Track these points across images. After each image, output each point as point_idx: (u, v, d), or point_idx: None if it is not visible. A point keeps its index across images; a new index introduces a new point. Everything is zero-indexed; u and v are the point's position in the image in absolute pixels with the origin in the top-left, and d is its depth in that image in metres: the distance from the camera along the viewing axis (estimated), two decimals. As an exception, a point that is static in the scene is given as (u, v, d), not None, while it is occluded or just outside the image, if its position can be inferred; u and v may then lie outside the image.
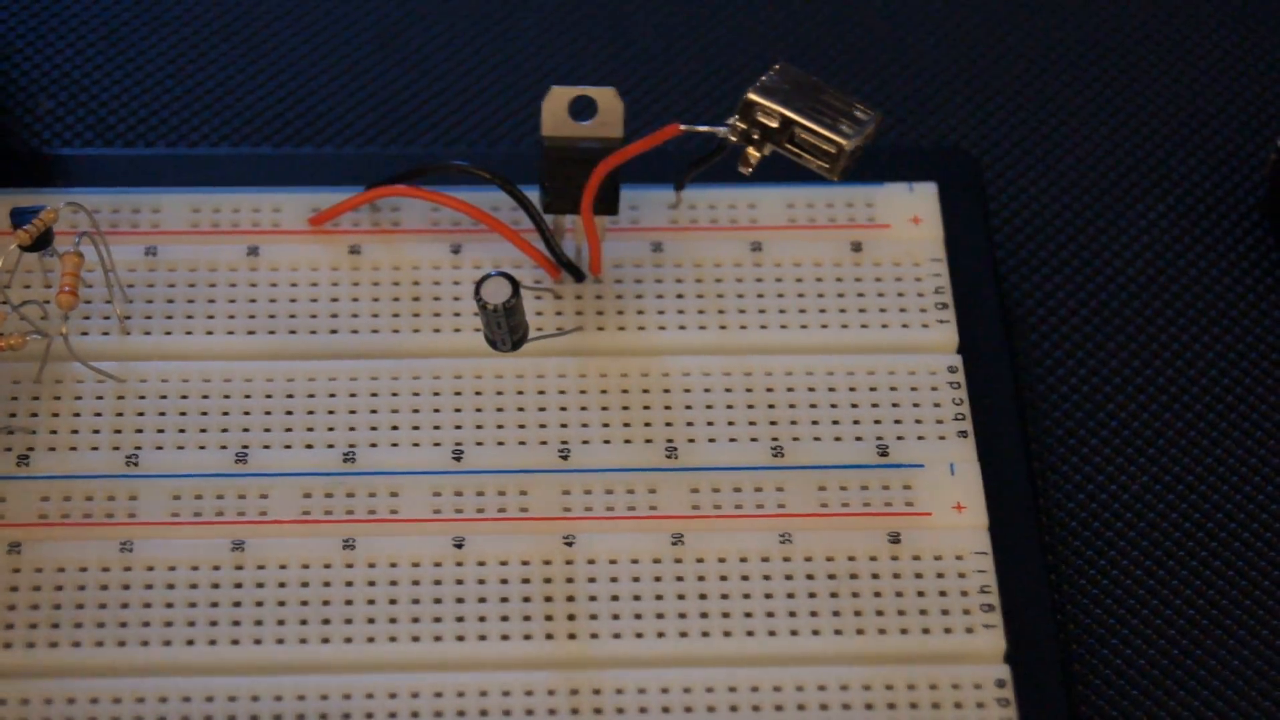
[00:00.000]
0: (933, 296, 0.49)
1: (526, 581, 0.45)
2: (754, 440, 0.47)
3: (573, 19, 0.59)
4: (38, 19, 0.58)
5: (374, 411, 0.47)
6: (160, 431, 0.47)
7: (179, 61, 0.57)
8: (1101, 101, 0.57)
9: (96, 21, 0.58)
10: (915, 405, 0.48)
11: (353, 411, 0.47)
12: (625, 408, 0.48)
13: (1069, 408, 0.51)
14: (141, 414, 0.47)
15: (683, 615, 0.45)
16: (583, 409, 0.47)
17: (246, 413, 0.47)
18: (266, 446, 0.47)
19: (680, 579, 0.45)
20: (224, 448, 0.47)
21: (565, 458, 0.47)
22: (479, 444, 0.47)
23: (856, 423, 0.47)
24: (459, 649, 0.44)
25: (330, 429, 0.47)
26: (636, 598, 0.45)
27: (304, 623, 0.44)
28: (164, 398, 0.47)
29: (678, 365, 0.48)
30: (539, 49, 0.58)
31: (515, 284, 0.44)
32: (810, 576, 0.45)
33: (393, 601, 0.45)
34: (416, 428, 0.47)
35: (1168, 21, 0.59)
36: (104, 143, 0.55)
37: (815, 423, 0.47)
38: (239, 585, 0.45)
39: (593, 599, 0.45)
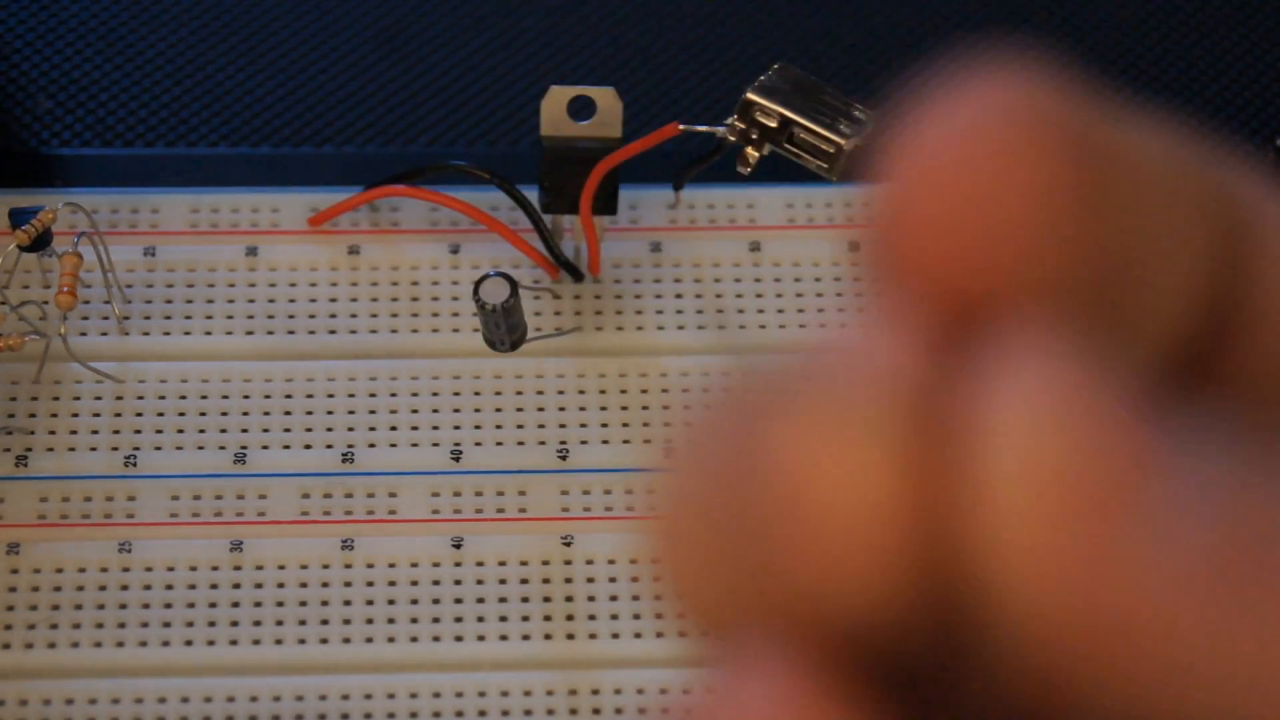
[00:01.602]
0: (932, 296, 0.49)
1: (525, 582, 0.45)
2: (753, 440, 0.47)
3: (573, 19, 0.59)
4: (36, 19, 0.58)
5: (372, 412, 0.47)
6: (159, 432, 0.47)
7: (178, 61, 0.57)
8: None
9: (95, 21, 0.58)
10: (914, 405, 0.48)
11: (351, 412, 0.47)
12: (624, 408, 0.48)
13: (1069, 408, 0.51)
14: (140, 414, 0.47)
15: (682, 615, 0.45)
16: (581, 409, 0.47)
17: (245, 413, 0.47)
18: (265, 447, 0.47)
19: (679, 579, 0.45)
20: (222, 448, 0.47)
21: (564, 458, 0.47)
22: (478, 444, 0.47)
23: (856, 423, 0.47)
24: (458, 649, 0.44)
25: (329, 429, 0.47)
26: (635, 598, 0.45)
27: (303, 623, 0.44)
28: (163, 398, 0.47)
29: (677, 365, 0.48)
30: (539, 49, 0.58)
31: (514, 284, 0.44)
32: (809, 577, 0.45)
33: (391, 602, 0.45)
34: (415, 428, 0.47)
35: (1166, 20, 0.59)
36: (103, 143, 0.55)
37: (814, 423, 0.47)
38: (237, 586, 0.45)
39: (591, 599, 0.45)
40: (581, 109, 0.48)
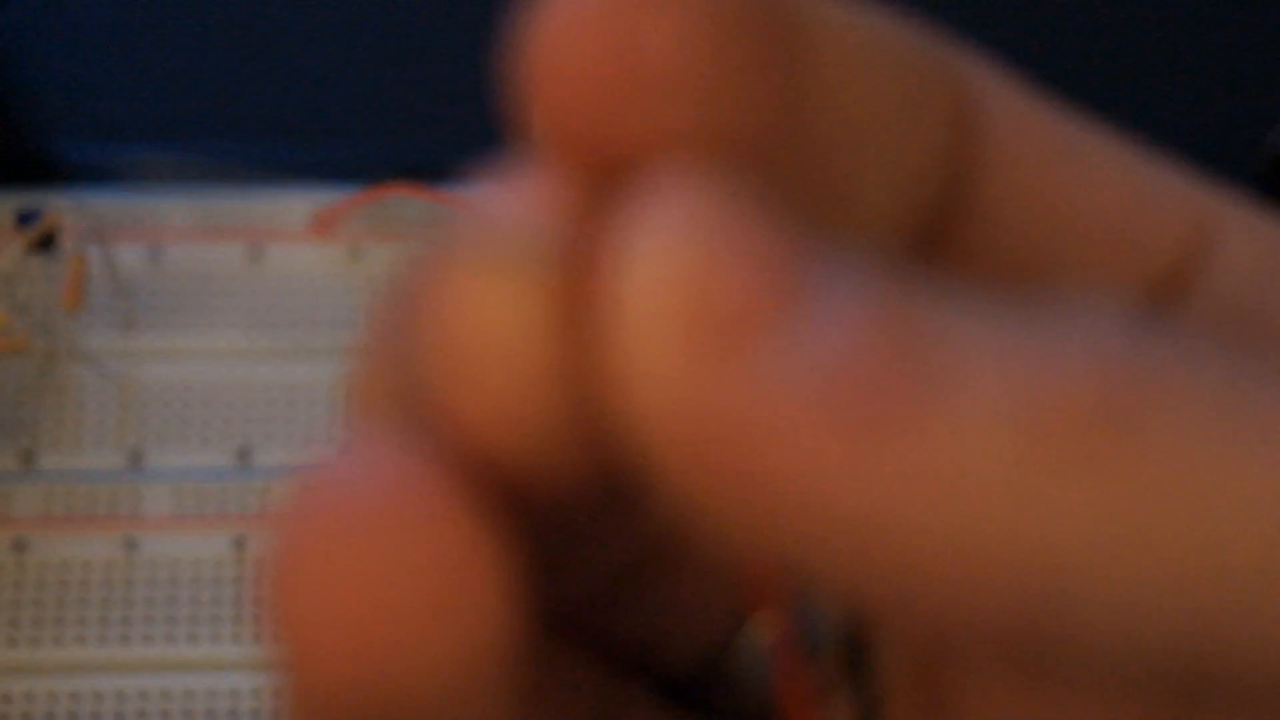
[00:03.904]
0: (929, 295, 0.50)
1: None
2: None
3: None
4: (41, 20, 0.58)
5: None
6: (163, 432, 0.47)
7: (182, 62, 0.57)
8: (1094, 101, 0.58)
9: (99, 21, 0.58)
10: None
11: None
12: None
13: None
14: (144, 414, 0.47)
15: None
16: (582, 407, 0.48)
17: (249, 413, 0.47)
18: (269, 447, 0.47)
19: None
20: (227, 448, 0.47)
21: (565, 456, 0.47)
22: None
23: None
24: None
25: (331, 430, 0.47)
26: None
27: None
28: (167, 398, 0.47)
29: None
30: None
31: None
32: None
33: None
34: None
35: (1162, 20, 0.60)
36: (106, 140, 0.55)
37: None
38: (241, 583, 0.45)
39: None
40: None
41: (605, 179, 0.15)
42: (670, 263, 0.14)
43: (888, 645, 0.18)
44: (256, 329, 0.49)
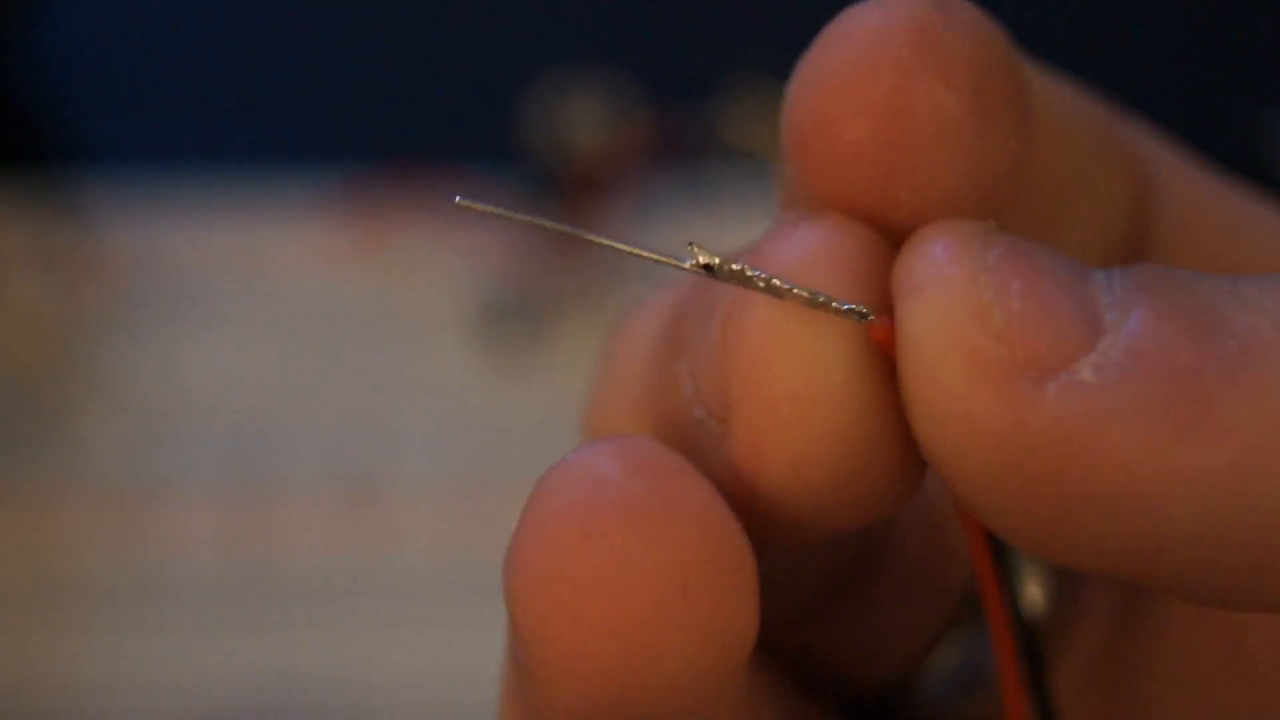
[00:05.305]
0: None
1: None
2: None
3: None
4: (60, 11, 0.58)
5: (378, 414, 0.48)
6: (165, 431, 0.47)
7: (185, 56, 0.57)
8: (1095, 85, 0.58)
9: (113, 19, 0.58)
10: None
11: (356, 413, 0.48)
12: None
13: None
14: (146, 414, 0.47)
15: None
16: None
17: (251, 412, 0.47)
18: (270, 445, 0.47)
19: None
20: (227, 448, 0.47)
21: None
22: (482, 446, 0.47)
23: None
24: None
25: (334, 429, 0.47)
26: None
27: (306, 619, 0.45)
28: (167, 399, 0.47)
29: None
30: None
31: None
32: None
33: (396, 600, 0.45)
34: (422, 431, 0.47)
35: (1156, 20, 0.60)
36: (119, 133, 0.55)
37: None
38: (244, 582, 0.45)
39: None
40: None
41: (879, 227, 0.15)
42: (973, 309, 0.14)
43: (1066, 658, 0.19)
44: (257, 330, 0.49)
